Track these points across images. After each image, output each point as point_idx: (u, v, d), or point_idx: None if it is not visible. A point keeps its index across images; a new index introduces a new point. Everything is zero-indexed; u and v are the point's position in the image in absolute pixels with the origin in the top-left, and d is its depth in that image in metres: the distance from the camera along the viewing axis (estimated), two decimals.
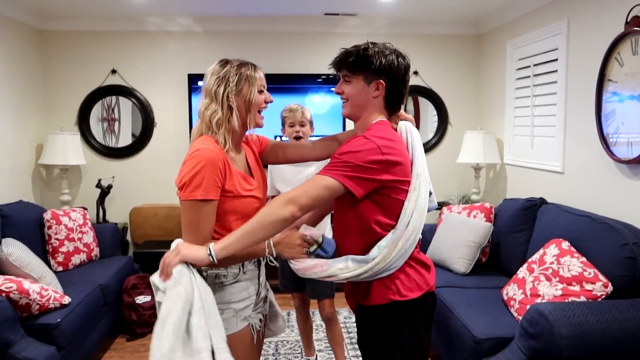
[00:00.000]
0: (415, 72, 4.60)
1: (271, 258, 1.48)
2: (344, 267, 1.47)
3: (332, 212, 1.67)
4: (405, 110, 6.09)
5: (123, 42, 4.45)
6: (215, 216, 1.50)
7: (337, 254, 1.55)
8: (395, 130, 1.61)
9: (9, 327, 2.25)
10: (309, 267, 1.48)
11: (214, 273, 1.53)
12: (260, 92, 1.59)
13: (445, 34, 4.61)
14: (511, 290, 2.58)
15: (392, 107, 1.58)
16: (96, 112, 4.49)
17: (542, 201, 3.12)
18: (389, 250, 1.46)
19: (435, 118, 4.70)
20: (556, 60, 3.32)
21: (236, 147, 1.63)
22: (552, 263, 2.43)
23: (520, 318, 2.22)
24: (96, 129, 4.51)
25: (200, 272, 1.46)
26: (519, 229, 3.10)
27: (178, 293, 1.31)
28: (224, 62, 1.57)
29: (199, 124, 1.59)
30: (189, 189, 1.45)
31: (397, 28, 4.51)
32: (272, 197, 2.77)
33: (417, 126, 4.70)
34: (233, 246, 1.39)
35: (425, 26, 4.55)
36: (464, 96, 4.70)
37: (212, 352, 1.31)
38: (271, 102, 1.64)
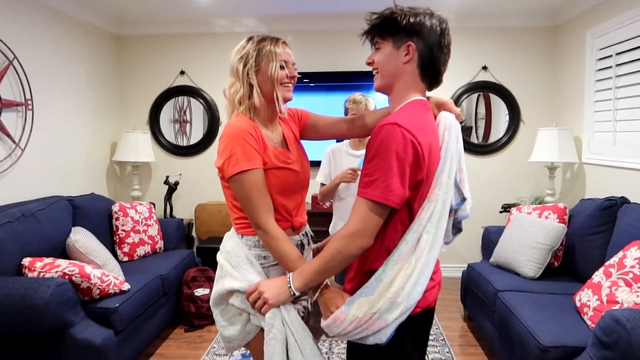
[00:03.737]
0: (485, 67, 4.37)
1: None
2: (358, 306, 1.28)
3: None
4: (476, 111, 5.56)
5: (191, 44, 4.61)
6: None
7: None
8: (435, 116, 1.41)
9: (70, 308, 2.35)
10: (332, 321, 1.31)
11: (255, 253, 1.52)
12: (282, 67, 1.51)
13: (516, 26, 4.35)
14: (585, 296, 2.33)
15: (429, 78, 1.36)
16: (167, 112, 4.68)
17: (623, 200, 2.82)
18: (400, 267, 1.27)
19: (507, 117, 4.43)
20: None
21: (268, 124, 1.58)
22: (633, 267, 2.17)
23: (594, 326, 1.99)
24: (167, 128, 4.69)
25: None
26: (597, 230, 2.81)
27: (274, 337, 1.40)
28: (248, 39, 1.54)
29: (226, 103, 1.58)
30: (231, 165, 1.41)
31: (465, 22, 4.30)
32: (322, 184, 2.70)
33: (488, 124, 4.49)
34: (312, 284, 1.37)
35: (495, 19, 4.31)
36: (537, 92, 4.39)
37: None
38: (295, 77, 1.57)
